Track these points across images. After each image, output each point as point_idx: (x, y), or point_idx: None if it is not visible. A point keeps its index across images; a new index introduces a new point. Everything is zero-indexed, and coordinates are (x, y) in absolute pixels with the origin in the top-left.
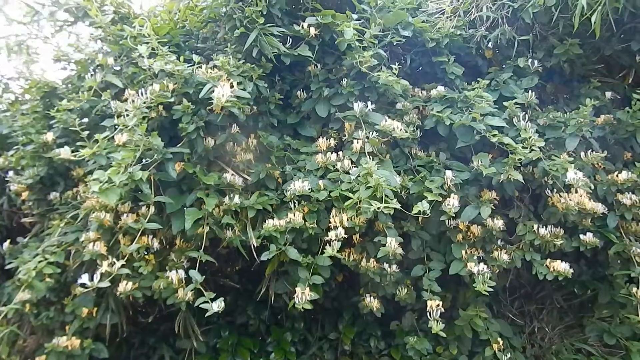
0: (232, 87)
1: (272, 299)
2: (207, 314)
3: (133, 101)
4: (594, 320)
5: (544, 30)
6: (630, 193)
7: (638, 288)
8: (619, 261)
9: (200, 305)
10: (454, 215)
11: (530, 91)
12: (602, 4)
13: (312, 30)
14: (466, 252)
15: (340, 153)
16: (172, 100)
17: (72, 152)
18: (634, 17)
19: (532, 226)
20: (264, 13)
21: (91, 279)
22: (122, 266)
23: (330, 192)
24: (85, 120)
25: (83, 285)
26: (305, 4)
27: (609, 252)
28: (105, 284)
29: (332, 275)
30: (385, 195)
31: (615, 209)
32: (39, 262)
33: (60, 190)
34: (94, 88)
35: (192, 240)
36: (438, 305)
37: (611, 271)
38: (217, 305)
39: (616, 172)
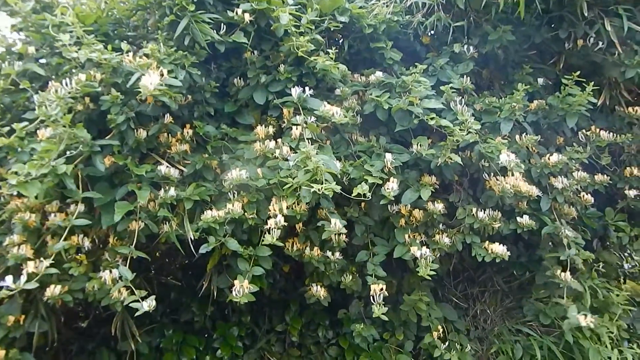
0: (162, 75)
1: (215, 294)
2: (136, 314)
3: (57, 91)
4: (532, 301)
5: (478, 17)
6: (562, 176)
7: (566, 271)
8: (550, 243)
9: (131, 305)
10: (394, 198)
11: (466, 76)
12: None
13: (247, 17)
14: (409, 237)
15: (279, 140)
16: (99, 90)
17: None
18: (561, 6)
19: (472, 210)
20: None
21: (16, 281)
22: (52, 266)
23: (269, 180)
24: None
25: (8, 288)
26: None
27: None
28: (33, 285)
29: (278, 266)
30: (325, 180)
31: (549, 192)
32: None
33: None
34: (12, 77)
35: (127, 237)
36: (382, 289)
37: (543, 253)
38: (148, 305)
39: (548, 156)
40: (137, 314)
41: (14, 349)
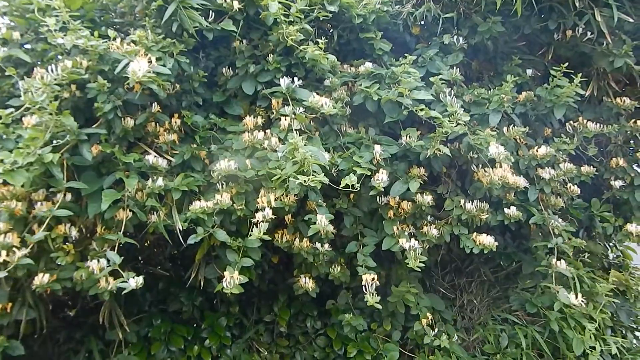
0: (150, 62)
1: (202, 284)
2: (124, 291)
3: (42, 77)
4: (518, 291)
5: (468, 9)
6: (549, 168)
7: (556, 258)
8: (540, 233)
9: (119, 285)
10: (383, 189)
11: (455, 68)
12: None
13: (236, 4)
14: (397, 228)
15: (268, 131)
16: (86, 77)
17: None
18: None
19: (459, 201)
20: None
21: None
22: (37, 255)
23: (258, 171)
24: None
25: None
26: None
27: (530, 224)
28: (2, 274)
29: (267, 257)
30: (313, 171)
31: (536, 182)
32: None
33: None
34: None
35: (114, 227)
36: (373, 279)
37: (532, 243)
38: (135, 282)
39: (536, 147)
40: (124, 292)
41: (1, 337)
